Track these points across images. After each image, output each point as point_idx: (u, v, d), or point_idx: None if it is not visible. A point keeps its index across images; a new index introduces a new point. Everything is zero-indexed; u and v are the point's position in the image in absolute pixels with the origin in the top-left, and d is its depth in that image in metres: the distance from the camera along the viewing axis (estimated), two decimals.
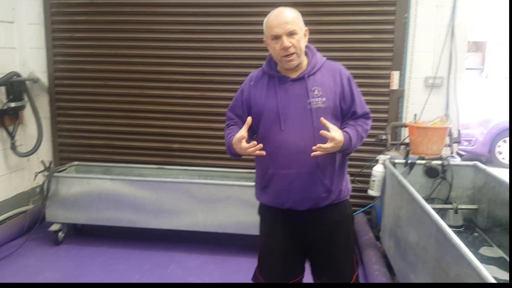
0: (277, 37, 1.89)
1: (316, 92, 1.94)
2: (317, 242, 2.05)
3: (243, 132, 1.86)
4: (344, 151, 1.94)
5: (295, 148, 1.91)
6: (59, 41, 4.31)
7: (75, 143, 4.44)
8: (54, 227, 3.71)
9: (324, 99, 1.94)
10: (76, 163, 4.18)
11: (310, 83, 1.95)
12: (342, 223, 2.07)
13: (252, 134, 2.09)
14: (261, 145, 1.86)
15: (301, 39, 1.91)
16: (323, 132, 1.81)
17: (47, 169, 3.69)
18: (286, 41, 1.86)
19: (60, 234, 3.75)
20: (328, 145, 1.81)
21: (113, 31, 4.22)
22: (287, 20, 1.88)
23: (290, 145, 1.92)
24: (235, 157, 2.06)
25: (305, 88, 1.94)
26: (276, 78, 1.99)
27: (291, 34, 1.88)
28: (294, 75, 1.97)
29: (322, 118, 1.85)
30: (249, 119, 1.90)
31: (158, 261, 3.45)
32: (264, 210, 2.13)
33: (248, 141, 1.91)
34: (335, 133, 1.83)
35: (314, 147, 1.82)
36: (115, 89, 4.29)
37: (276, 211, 2.04)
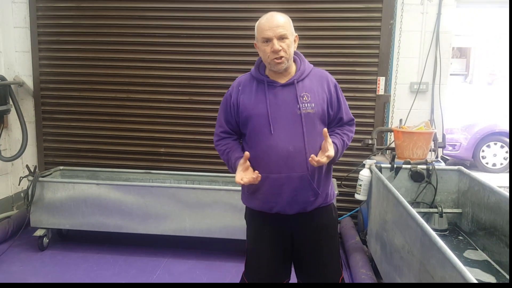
0: (268, 40, 1.90)
1: (305, 98, 1.96)
2: (304, 246, 2.06)
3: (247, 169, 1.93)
4: (331, 162, 2.00)
5: (285, 152, 1.93)
6: (45, 44, 4.28)
7: (61, 148, 4.40)
8: (39, 233, 3.66)
9: (313, 104, 1.96)
10: (61, 167, 4.14)
11: (299, 89, 1.97)
12: (328, 226, 2.09)
13: (239, 138, 2.12)
14: (259, 176, 1.89)
15: (291, 44, 1.93)
16: (329, 155, 1.86)
17: (31, 173, 3.64)
18: (277, 44, 1.88)
19: (45, 240, 3.70)
20: (324, 159, 1.86)
21: (99, 34, 4.20)
22: (278, 24, 1.89)
23: (280, 150, 1.93)
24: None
25: (295, 93, 1.96)
26: (265, 83, 1.99)
27: (281, 38, 1.89)
28: (283, 81, 1.99)
29: (325, 130, 1.89)
30: (247, 154, 1.91)
31: (145, 266, 3.43)
32: (252, 215, 2.12)
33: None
34: (332, 150, 1.89)
35: (311, 160, 1.84)
36: (101, 93, 4.27)
37: (264, 216, 2.04)
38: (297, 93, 1.96)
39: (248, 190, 2.06)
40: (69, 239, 3.93)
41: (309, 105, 1.96)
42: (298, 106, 1.95)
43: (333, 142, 1.96)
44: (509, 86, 3.84)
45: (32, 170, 3.65)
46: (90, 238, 3.89)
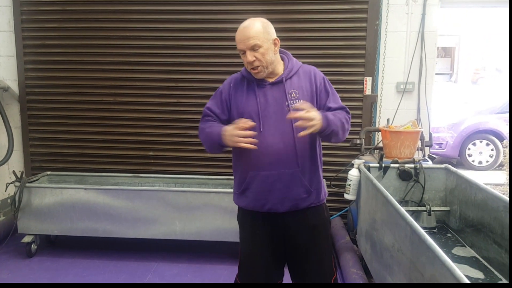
0: (243, 52, 1.95)
1: (293, 95, 1.99)
2: (297, 246, 2.07)
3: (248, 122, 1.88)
4: (324, 130, 1.88)
5: (275, 149, 1.95)
6: (30, 48, 4.24)
7: (48, 153, 4.35)
8: (27, 239, 3.61)
9: (301, 101, 1.98)
10: (48, 173, 4.09)
11: (287, 86, 2.00)
12: (321, 226, 2.10)
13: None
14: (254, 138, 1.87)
15: (267, 51, 1.94)
16: (297, 106, 1.87)
17: (18, 179, 3.59)
18: (249, 56, 1.92)
19: (33, 246, 3.65)
20: (307, 114, 1.80)
21: (85, 38, 4.17)
22: (249, 36, 1.91)
23: (271, 147, 1.94)
24: (213, 150, 2.05)
25: (283, 91, 1.99)
26: (255, 82, 2.02)
27: (253, 48, 1.92)
28: (272, 79, 2.02)
29: (302, 102, 1.91)
30: (250, 122, 1.89)
31: (135, 271, 3.40)
32: (244, 215, 2.13)
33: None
34: (312, 111, 1.84)
35: (297, 124, 1.84)
36: (88, 96, 4.24)
37: (256, 215, 2.05)
38: (286, 90, 1.99)
39: (238, 189, 2.07)
40: (57, 245, 3.89)
41: (297, 102, 1.97)
42: (286, 103, 1.97)
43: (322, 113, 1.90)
44: (509, 86, 3.90)
45: (18, 176, 3.60)
46: (79, 243, 3.85)
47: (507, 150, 6.02)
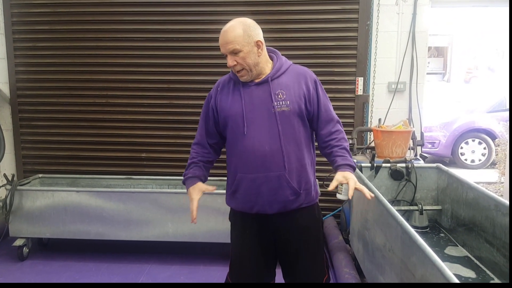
0: (225, 55, 1.95)
1: (280, 96, 1.94)
2: (287, 247, 2.06)
3: (194, 208, 2.08)
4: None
5: (261, 152, 1.92)
6: (21, 50, 4.21)
7: (39, 155, 4.33)
8: (18, 242, 3.59)
9: (288, 102, 1.93)
10: (40, 175, 4.06)
11: (274, 87, 1.95)
12: (311, 227, 2.09)
13: (223, 141, 2.13)
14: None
15: (248, 55, 1.90)
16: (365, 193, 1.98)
17: (9, 182, 3.57)
18: (230, 60, 1.92)
19: (25, 249, 3.63)
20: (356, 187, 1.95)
21: (76, 39, 4.15)
22: (227, 40, 1.89)
23: (257, 149, 1.92)
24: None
25: (269, 91, 1.94)
26: (241, 83, 1.99)
27: (233, 53, 1.90)
28: (258, 79, 1.98)
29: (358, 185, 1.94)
30: (212, 188, 2.07)
31: (128, 273, 3.39)
32: (235, 216, 2.13)
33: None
34: (352, 181, 1.93)
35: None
36: (79, 98, 4.22)
37: (246, 216, 2.04)
38: (271, 91, 1.94)
39: (229, 190, 2.07)
40: (50, 248, 3.87)
41: (284, 103, 1.93)
42: (272, 104, 1.93)
43: (345, 165, 2.00)
44: (509, 85, 3.91)
45: (10, 178, 3.58)
46: (71, 246, 3.84)
47: (499, 148, 6.05)
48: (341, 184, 3.25)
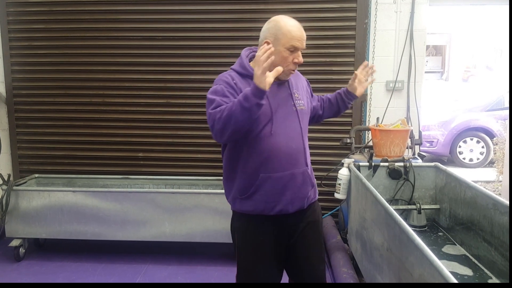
0: (294, 50, 1.89)
1: (296, 95, 2.01)
2: (298, 244, 2.03)
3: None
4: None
5: (289, 150, 1.92)
6: (16, 50, 4.19)
7: (36, 155, 4.30)
8: (15, 243, 3.57)
9: (302, 101, 2.02)
10: (36, 175, 4.04)
11: (292, 86, 2.01)
12: (318, 222, 2.11)
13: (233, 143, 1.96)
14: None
15: None
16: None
17: (5, 182, 3.55)
18: (301, 58, 1.91)
19: (21, 250, 3.61)
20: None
21: (72, 38, 4.13)
22: (305, 37, 1.93)
23: (283, 148, 1.90)
24: (246, 121, 1.71)
25: (289, 91, 1.99)
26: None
27: (302, 50, 1.94)
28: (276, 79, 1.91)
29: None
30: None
31: (125, 274, 3.37)
32: (248, 221, 1.98)
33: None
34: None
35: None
36: (76, 98, 4.20)
37: (263, 219, 1.95)
38: (291, 90, 1.99)
39: (243, 193, 1.94)
40: (46, 249, 3.85)
41: (300, 102, 2.01)
42: (293, 103, 1.97)
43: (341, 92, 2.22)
44: (509, 85, 3.91)
45: (6, 178, 3.56)
46: (67, 246, 3.82)
47: (498, 147, 6.05)
48: (339, 184, 3.26)
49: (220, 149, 2.06)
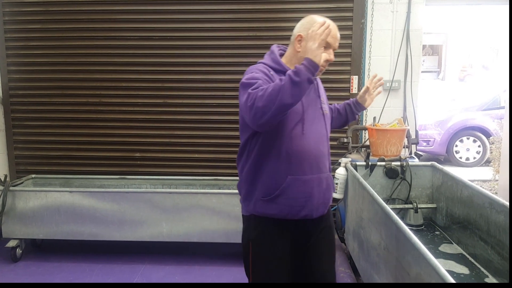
0: (326, 45, 1.82)
1: (322, 98, 1.98)
2: (313, 249, 1.97)
3: None
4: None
5: (315, 153, 1.87)
6: (13, 50, 4.17)
7: (32, 155, 4.29)
8: (12, 244, 3.56)
9: (326, 106, 1.99)
10: (33, 176, 4.04)
11: (319, 89, 1.98)
12: (332, 227, 2.06)
13: (251, 145, 1.89)
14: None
15: None
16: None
17: (2, 183, 3.54)
18: (333, 56, 1.88)
19: (18, 251, 3.60)
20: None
21: (69, 39, 4.12)
22: (339, 37, 1.90)
23: (313, 150, 1.85)
24: (294, 96, 1.61)
25: (317, 93, 1.95)
26: None
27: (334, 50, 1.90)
28: None
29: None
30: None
31: (122, 274, 3.37)
32: (266, 226, 1.88)
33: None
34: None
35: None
36: (73, 98, 4.19)
37: (284, 224, 1.87)
38: (319, 92, 1.96)
39: (268, 195, 1.84)
40: (43, 249, 3.84)
41: (325, 106, 1.97)
42: (320, 106, 1.94)
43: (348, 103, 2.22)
44: (509, 85, 3.92)
45: (2, 179, 3.55)
46: (65, 247, 3.82)
47: (494, 146, 6.07)
48: (336, 183, 3.26)
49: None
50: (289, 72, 1.62)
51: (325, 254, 2.02)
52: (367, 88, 2.17)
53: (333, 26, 1.85)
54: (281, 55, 1.96)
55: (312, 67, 1.63)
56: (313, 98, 1.92)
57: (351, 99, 2.24)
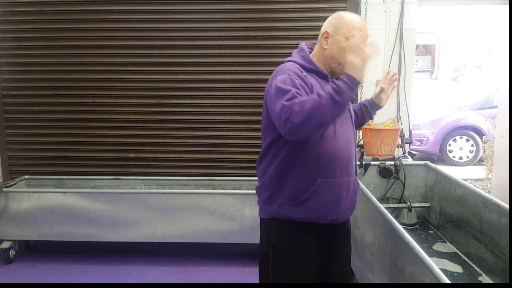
0: (364, 39, 1.75)
1: None
2: (334, 252, 1.92)
3: None
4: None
5: (347, 155, 1.80)
6: (5, 50, 4.14)
7: (25, 156, 4.26)
8: (5, 245, 3.54)
9: (351, 106, 1.93)
10: (26, 177, 4.02)
11: None
12: (350, 230, 2.01)
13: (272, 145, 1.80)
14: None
15: None
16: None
17: None
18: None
19: (12, 252, 3.58)
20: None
21: (62, 39, 4.09)
22: (367, 33, 1.80)
23: (344, 152, 1.78)
24: (333, 113, 1.57)
25: None
26: (329, 78, 1.80)
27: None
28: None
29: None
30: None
31: (116, 275, 3.36)
32: (291, 230, 1.81)
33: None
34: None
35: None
36: (66, 98, 4.16)
37: (309, 228, 1.80)
38: None
39: (296, 199, 1.76)
40: (36, 251, 3.82)
41: (351, 107, 1.92)
42: (348, 107, 1.86)
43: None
44: (509, 85, 3.94)
45: None
46: (58, 248, 3.80)
47: (487, 145, 6.11)
48: None
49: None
50: (330, 90, 1.55)
51: (345, 258, 1.98)
52: (382, 88, 2.06)
53: (360, 19, 1.79)
54: (309, 53, 1.89)
55: (353, 84, 1.56)
56: None
57: (366, 99, 2.14)
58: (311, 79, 1.75)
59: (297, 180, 1.75)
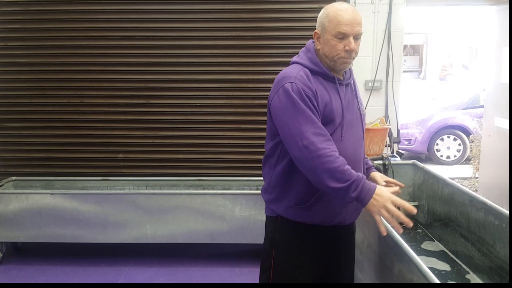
0: (344, 36, 1.67)
1: (358, 97, 1.89)
2: (338, 255, 1.91)
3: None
4: None
5: (354, 157, 1.77)
6: None
7: (13, 157, 4.21)
8: None
9: (362, 105, 1.90)
10: (14, 178, 3.97)
11: (356, 87, 1.89)
12: (354, 232, 2.01)
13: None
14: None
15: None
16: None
17: None
18: (354, 44, 1.68)
19: None
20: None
21: (50, 38, 4.05)
22: (358, 21, 1.67)
23: (351, 155, 1.74)
24: (342, 199, 1.64)
25: (354, 93, 1.86)
26: (336, 80, 1.77)
27: (357, 37, 1.70)
28: (342, 79, 1.81)
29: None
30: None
31: (106, 276, 3.34)
32: (296, 229, 1.80)
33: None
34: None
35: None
36: (53, 98, 4.12)
37: (318, 229, 1.79)
38: (356, 91, 1.87)
39: (304, 202, 1.75)
40: (24, 253, 3.79)
41: (361, 106, 1.88)
42: (358, 107, 1.84)
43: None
44: (509, 85, 3.98)
45: None
46: (47, 250, 3.77)
47: (474, 144, 6.19)
48: None
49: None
50: (349, 184, 1.58)
51: (352, 259, 1.99)
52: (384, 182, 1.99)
53: (345, 11, 1.67)
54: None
55: (357, 200, 1.62)
56: (350, 99, 1.81)
57: (367, 166, 2.03)
58: (317, 84, 1.72)
59: (304, 185, 1.73)
